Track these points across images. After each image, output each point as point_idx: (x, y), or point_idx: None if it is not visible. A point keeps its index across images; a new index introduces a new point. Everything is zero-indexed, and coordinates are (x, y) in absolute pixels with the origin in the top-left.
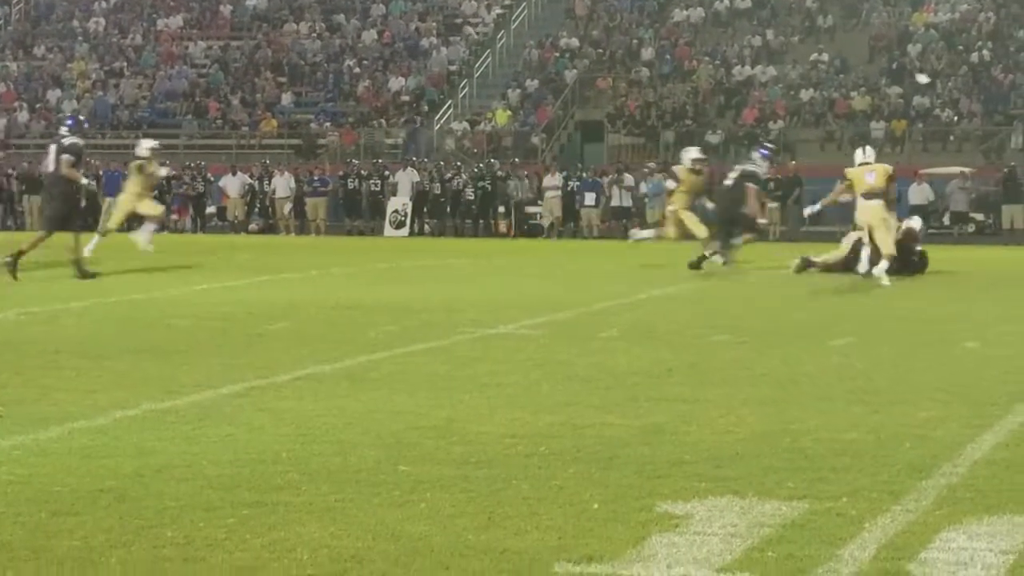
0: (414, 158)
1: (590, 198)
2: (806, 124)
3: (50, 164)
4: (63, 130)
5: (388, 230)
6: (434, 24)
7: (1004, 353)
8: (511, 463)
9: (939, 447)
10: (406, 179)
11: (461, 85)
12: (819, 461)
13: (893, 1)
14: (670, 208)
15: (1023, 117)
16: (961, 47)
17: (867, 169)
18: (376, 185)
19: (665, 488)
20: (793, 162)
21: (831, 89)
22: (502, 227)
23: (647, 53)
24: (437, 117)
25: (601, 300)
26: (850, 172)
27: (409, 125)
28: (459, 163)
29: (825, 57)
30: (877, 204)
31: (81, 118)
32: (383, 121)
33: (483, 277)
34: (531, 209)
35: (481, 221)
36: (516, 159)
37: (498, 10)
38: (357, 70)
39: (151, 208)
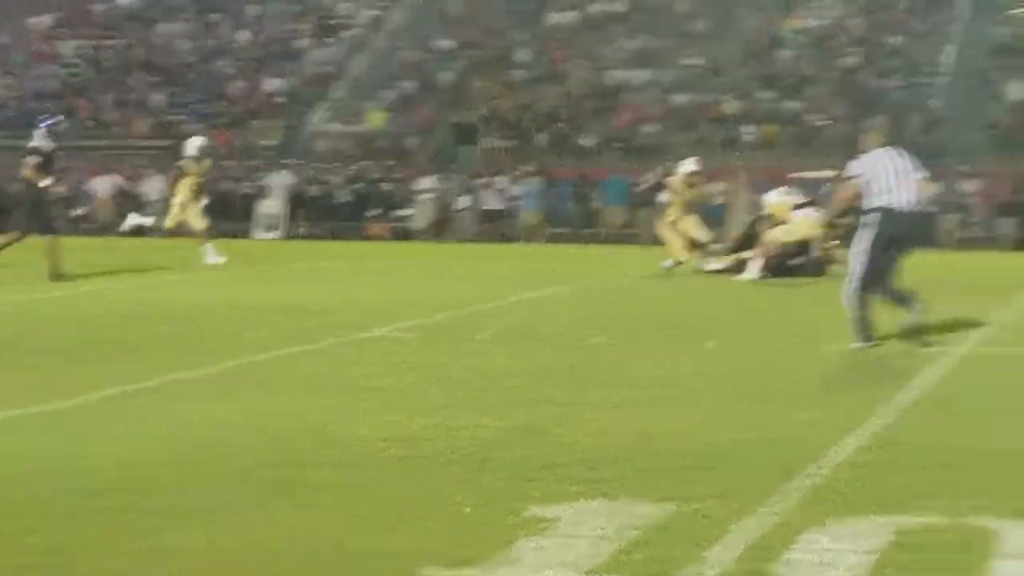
0: (288, 160)
1: (463, 201)
2: (679, 128)
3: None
4: (37, 130)
5: (260, 233)
6: (309, 25)
7: (868, 355)
8: (385, 466)
9: (804, 449)
10: (280, 181)
11: (336, 86)
12: (689, 463)
13: (764, 7)
14: (668, 221)
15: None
16: (831, 52)
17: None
18: (249, 188)
19: (537, 491)
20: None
21: (704, 93)
22: (375, 230)
23: (522, 56)
24: (311, 118)
25: (476, 303)
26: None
27: (283, 126)
28: (333, 165)
29: (698, 61)
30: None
31: (60, 117)
32: (257, 122)
33: (358, 280)
34: (403, 212)
35: (355, 223)
36: (391, 161)
37: (373, 11)
38: (231, 70)
39: (200, 221)
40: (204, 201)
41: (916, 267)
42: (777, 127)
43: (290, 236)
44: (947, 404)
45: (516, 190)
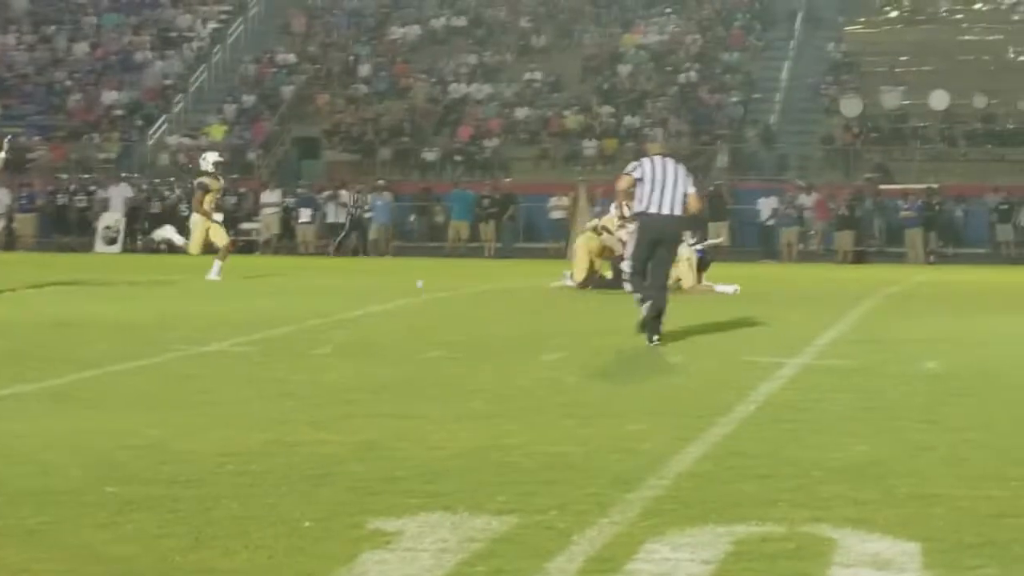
0: (127, 173)
1: (305, 214)
2: (520, 142)
3: None
4: None
5: (100, 246)
6: (148, 37)
7: (708, 366)
8: (221, 482)
9: (646, 460)
10: (119, 194)
11: (176, 100)
12: (529, 475)
13: (604, 22)
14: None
15: (728, 137)
16: (670, 68)
17: None
18: (83, 201)
19: (377, 505)
20: (508, 179)
21: (545, 108)
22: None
23: (364, 70)
24: (152, 131)
25: (316, 317)
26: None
27: (123, 140)
28: (173, 178)
29: (539, 76)
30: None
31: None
32: (95, 135)
33: (198, 294)
34: (247, 225)
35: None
36: (235, 175)
37: (214, 24)
38: (69, 83)
39: (223, 237)
40: (219, 217)
41: (756, 280)
42: (616, 141)
43: (128, 250)
44: (786, 415)
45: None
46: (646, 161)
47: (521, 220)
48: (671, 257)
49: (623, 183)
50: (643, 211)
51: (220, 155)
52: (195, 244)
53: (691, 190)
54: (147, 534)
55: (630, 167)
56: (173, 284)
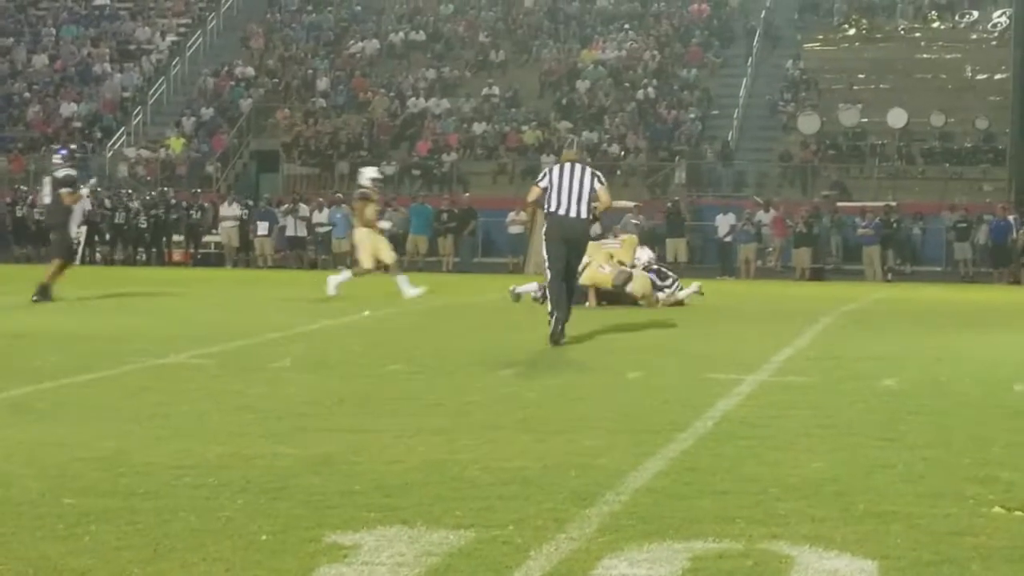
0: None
1: (263, 227)
2: (478, 157)
3: (46, 196)
4: (56, 159)
5: None
6: (107, 50)
7: (666, 382)
8: (178, 494)
9: (603, 475)
10: (78, 206)
11: (135, 112)
12: (486, 490)
13: (563, 38)
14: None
15: (685, 153)
16: (628, 84)
17: None
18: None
19: (334, 519)
20: (467, 194)
21: (503, 123)
22: (176, 256)
23: (323, 84)
24: (110, 144)
25: (274, 330)
26: None
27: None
28: (131, 190)
29: (497, 91)
30: None
31: (73, 147)
32: (54, 147)
33: (155, 306)
34: (208, 238)
35: (154, 250)
36: (198, 189)
37: (173, 37)
38: (27, 94)
39: (389, 252)
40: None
41: (714, 296)
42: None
43: (87, 262)
44: (744, 431)
45: (317, 217)
46: (554, 168)
47: (479, 235)
48: (579, 260)
49: (532, 195)
50: (552, 211)
51: (379, 171)
52: (367, 258)
53: (598, 187)
54: (105, 546)
55: (539, 177)
56: (131, 297)
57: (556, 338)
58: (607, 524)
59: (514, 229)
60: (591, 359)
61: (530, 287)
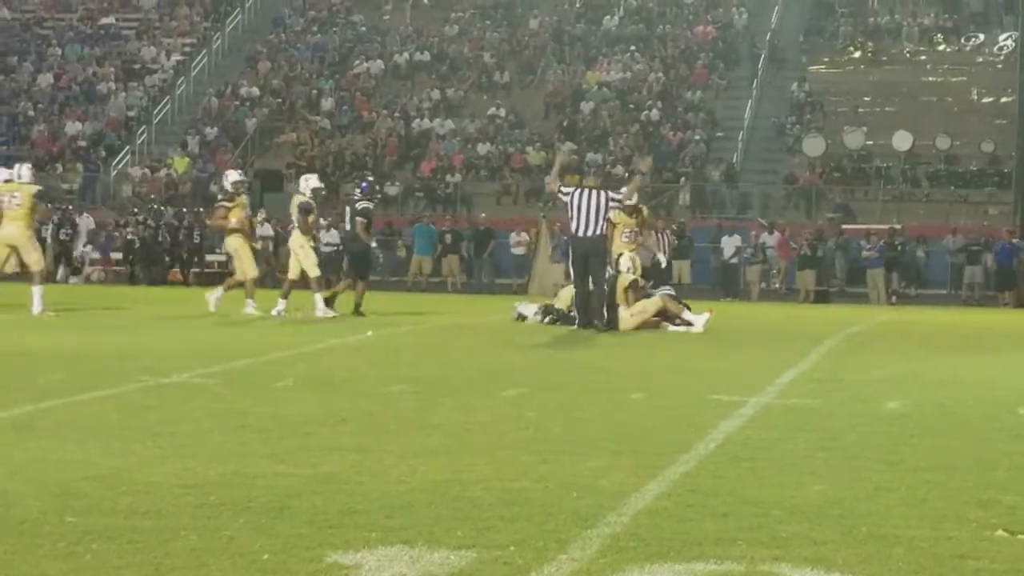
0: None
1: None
2: (482, 178)
3: (347, 224)
4: (356, 193)
5: (62, 276)
6: (112, 69)
7: (669, 403)
8: (180, 513)
9: (605, 496)
10: (84, 225)
11: (140, 131)
12: (488, 510)
13: (568, 59)
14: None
15: (690, 176)
16: (632, 106)
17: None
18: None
19: (336, 538)
20: (483, 214)
21: (507, 143)
22: (176, 275)
23: (327, 104)
24: (114, 163)
25: (278, 349)
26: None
27: (87, 171)
28: (135, 209)
29: (502, 112)
30: None
31: (371, 178)
32: (59, 166)
33: (159, 325)
34: (211, 257)
35: (159, 268)
36: (201, 208)
37: (178, 57)
38: (32, 113)
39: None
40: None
41: (718, 318)
42: (579, 178)
43: (90, 280)
44: (746, 453)
45: (326, 237)
46: (576, 192)
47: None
48: (601, 269)
49: (552, 188)
50: (573, 233)
51: (319, 180)
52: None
53: (614, 205)
54: (106, 565)
55: (566, 189)
56: (135, 315)
57: (583, 326)
58: (608, 545)
59: (517, 251)
60: (594, 379)
61: (531, 308)
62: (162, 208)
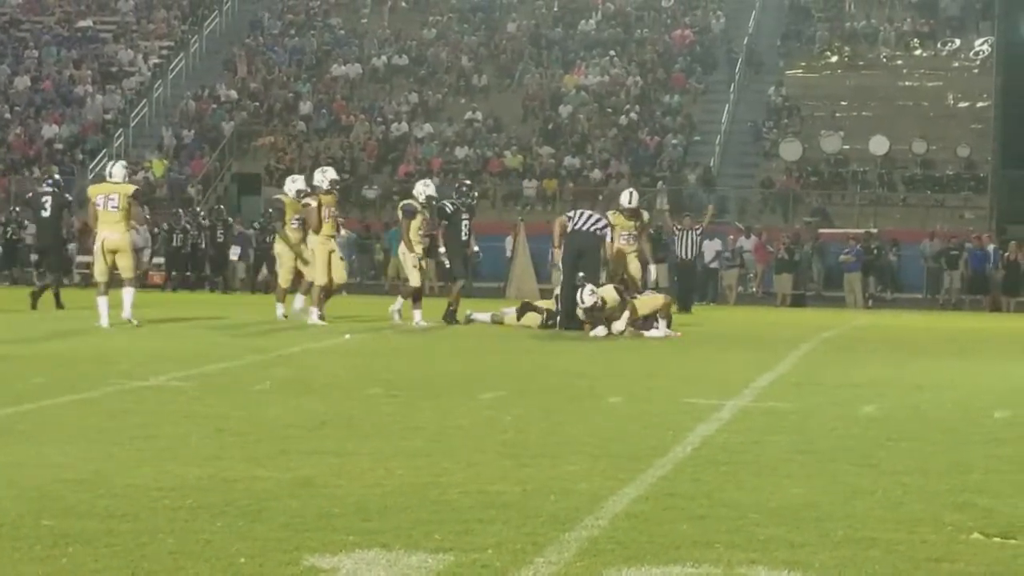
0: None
1: (235, 252)
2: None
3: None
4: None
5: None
6: (89, 72)
7: (646, 407)
8: (157, 516)
9: (582, 500)
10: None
11: (117, 134)
12: (466, 513)
13: (546, 63)
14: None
15: (668, 179)
16: (610, 109)
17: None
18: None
19: (313, 541)
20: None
21: (485, 147)
22: (156, 278)
23: (305, 107)
24: (92, 166)
25: (255, 353)
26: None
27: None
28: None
29: (479, 116)
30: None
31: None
32: (35, 169)
33: (136, 328)
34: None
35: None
36: (178, 210)
37: (155, 60)
38: (8, 116)
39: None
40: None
41: (695, 322)
42: (557, 182)
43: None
44: (723, 456)
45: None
46: (577, 212)
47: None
48: (595, 268)
49: (558, 227)
50: (571, 231)
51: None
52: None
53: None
54: (83, 568)
55: (569, 213)
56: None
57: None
58: (586, 549)
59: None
60: (572, 384)
61: (484, 316)
62: (178, 211)
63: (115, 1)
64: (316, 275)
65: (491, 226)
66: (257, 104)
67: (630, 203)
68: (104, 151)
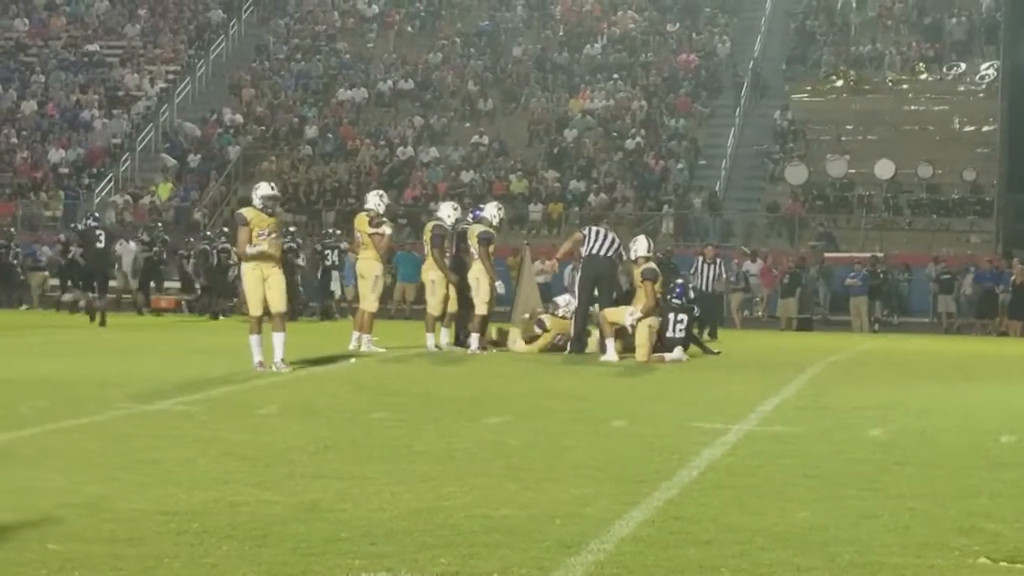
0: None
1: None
2: (466, 205)
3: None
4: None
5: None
6: (96, 96)
7: (651, 431)
8: (163, 540)
9: (588, 524)
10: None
11: (123, 158)
12: (472, 537)
13: (551, 87)
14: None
15: (673, 203)
16: (615, 133)
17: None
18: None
19: (319, 566)
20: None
21: (491, 171)
22: (162, 303)
23: (310, 131)
24: (97, 190)
25: (260, 376)
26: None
27: (68, 197)
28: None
29: (485, 140)
30: None
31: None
32: (42, 193)
33: (141, 352)
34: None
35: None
36: (191, 237)
37: (162, 84)
38: (15, 140)
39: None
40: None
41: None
42: (562, 206)
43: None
44: (729, 480)
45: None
46: (592, 230)
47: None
48: (609, 294)
49: (570, 244)
50: (587, 255)
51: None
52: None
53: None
54: None
55: (584, 231)
56: (118, 342)
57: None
58: (592, 573)
59: (540, 278)
60: (576, 407)
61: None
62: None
63: (122, 26)
64: (429, 303)
65: (496, 250)
66: (263, 128)
67: (648, 251)
68: (110, 175)
